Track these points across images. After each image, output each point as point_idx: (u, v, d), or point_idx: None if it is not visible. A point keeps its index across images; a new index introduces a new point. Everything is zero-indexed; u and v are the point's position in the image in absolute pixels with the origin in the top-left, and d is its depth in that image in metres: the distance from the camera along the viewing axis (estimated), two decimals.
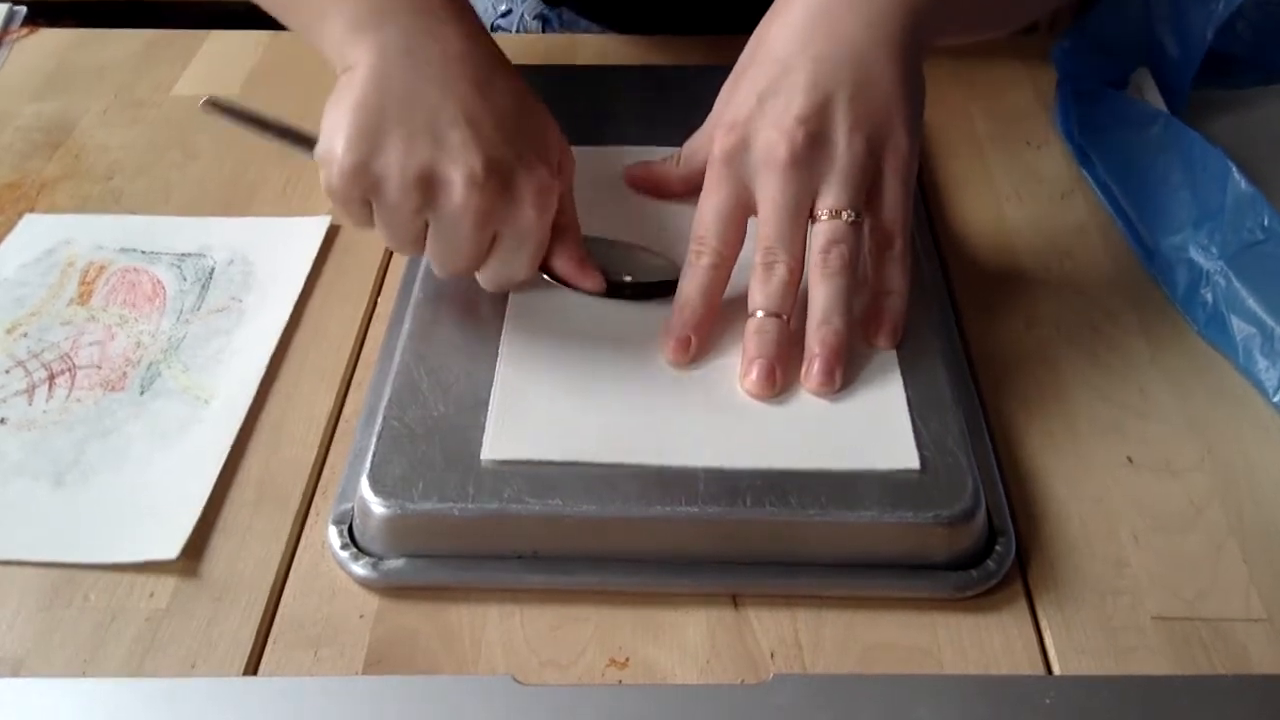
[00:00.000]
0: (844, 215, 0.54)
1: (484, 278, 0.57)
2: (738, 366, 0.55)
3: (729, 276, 0.57)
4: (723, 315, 0.57)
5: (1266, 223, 0.59)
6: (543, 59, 0.87)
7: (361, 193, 0.53)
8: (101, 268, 0.67)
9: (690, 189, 0.64)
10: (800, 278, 0.55)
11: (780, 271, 0.54)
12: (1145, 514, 0.53)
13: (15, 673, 0.47)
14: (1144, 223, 0.67)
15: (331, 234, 0.69)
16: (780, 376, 0.54)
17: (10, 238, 0.69)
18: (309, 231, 0.69)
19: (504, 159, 0.53)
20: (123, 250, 0.68)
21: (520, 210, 0.54)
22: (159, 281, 0.66)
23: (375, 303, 0.65)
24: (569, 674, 0.47)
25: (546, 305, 0.59)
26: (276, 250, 0.68)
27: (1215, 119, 0.73)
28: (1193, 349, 0.61)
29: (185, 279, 0.66)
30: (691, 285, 0.56)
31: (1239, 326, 0.59)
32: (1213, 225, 0.62)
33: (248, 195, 0.73)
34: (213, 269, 0.66)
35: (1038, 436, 0.57)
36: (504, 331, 0.57)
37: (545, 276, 0.60)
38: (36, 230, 0.69)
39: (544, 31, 0.96)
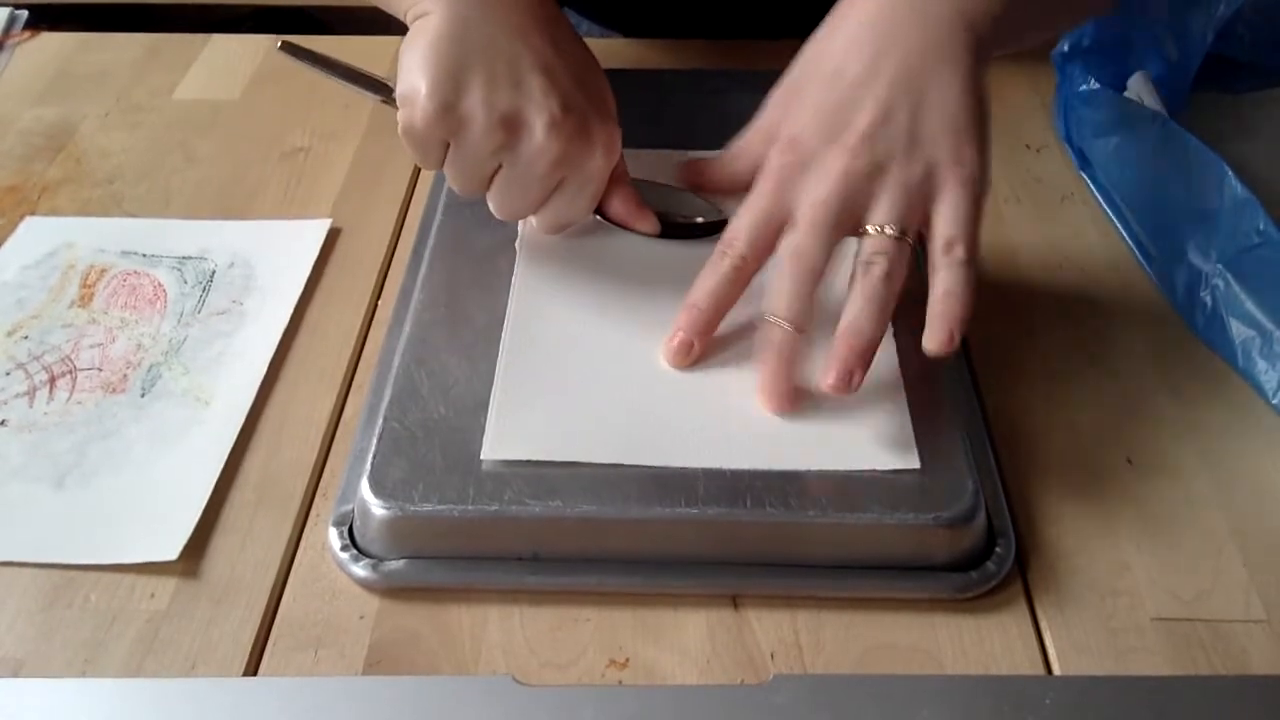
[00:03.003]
0: (887, 230, 0.54)
1: (542, 218, 0.59)
2: (739, 368, 0.55)
3: (746, 285, 0.56)
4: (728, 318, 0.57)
5: (1262, 227, 0.59)
6: None
7: (444, 133, 0.54)
8: (102, 271, 0.67)
9: (732, 186, 0.64)
10: (818, 280, 0.54)
11: (803, 266, 0.53)
12: (1145, 515, 0.53)
13: (15, 673, 0.47)
14: (1143, 225, 0.67)
15: (332, 237, 0.69)
16: (790, 390, 0.53)
17: (11, 240, 0.69)
18: (309, 234, 0.69)
19: (580, 107, 0.55)
20: (124, 253, 0.68)
21: (591, 156, 0.56)
22: (160, 284, 0.66)
23: (375, 306, 0.65)
24: (569, 674, 0.47)
25: (547, 306, 0.59)
26: (277, 253, 0.68)
27: (1214, 122, 0.73)
28: (1192, 351, 0.62)
29: (186, 282, 0.66)
30: (704, 287, 0.56)
31: (1238, 329, 0.60)
32: (1210, 229, 0.62)
33: (248, 198, 0.73)
34: (213, 272, 0.67)
35: (1037, 438, 0.57)
36: (504, 333, 0.57)
37: (599, 219, 0.62)
38: (37, 233, 0.70)
39: None
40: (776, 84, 0.60)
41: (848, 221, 0.54)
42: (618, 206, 0.61)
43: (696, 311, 0.56)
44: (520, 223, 0.64)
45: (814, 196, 0.54)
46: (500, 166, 0.56)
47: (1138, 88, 0.73)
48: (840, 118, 0.55)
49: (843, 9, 0.58)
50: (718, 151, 0.65)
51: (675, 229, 0.62)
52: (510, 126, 0.54)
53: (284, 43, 0.56)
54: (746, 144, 0.63)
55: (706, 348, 0.56)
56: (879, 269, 0.53)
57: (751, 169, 0.60)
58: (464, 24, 0.54)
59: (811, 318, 0.54)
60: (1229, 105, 0.75)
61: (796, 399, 0.53)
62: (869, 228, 0.54)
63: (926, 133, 0.54)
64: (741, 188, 0.61)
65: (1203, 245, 0.62)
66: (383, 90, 0.57)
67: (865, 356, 0.53)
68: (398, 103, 0.55)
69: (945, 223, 0.54)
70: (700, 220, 0.63)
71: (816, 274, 0.54)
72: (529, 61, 0.55)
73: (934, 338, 0.52)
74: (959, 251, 0.53)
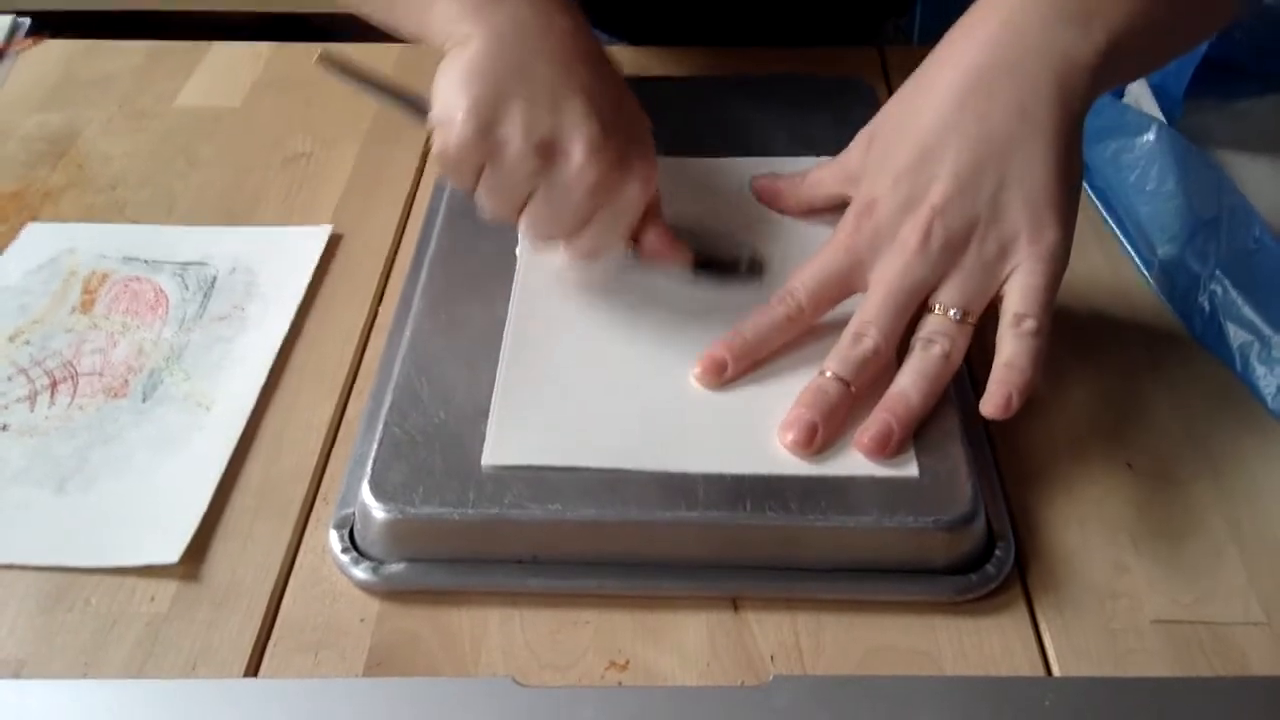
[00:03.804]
0: (951, 314, 0.54)
1: (575, 247, 0.57)
2: (743, 377, 0.55)
3: (795, 335, 0.56)
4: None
5: (1257, 233, 0.59)
6: None
7: (480, 157, 0.53)
8: (104, 277, 0.67)
9: (797, 212, 0.64)
10: (884, 362, 0.54)
11: (866, 345, 0.54)
12: (1145, 519, 0.53)
13: (16, 675, 0.47)
14: (1141, 230, 0.67)
15: (333, 243, 0.69)
16: (820, 439, 0.52)
17: (13, 246, 0.69)
18: (310, 240, 0.69)
19: (619, 135, 0.54)
20: (125, 259, 0.68)
21: (629, 185, 0.55)
22: (161, 290, 0.66)
23: (376, 311, 0.65)
24: (569, 676, 0.47)
25: (547, 312, 0.59)
26: (278, 259, 0.68)
27: (1212, 129, 0.73)
28: (1191, 355, 0.62)
29: (187, 288, 0.66)
30: (755, 324, 0.56)
31: (1236, 334, 0.60)
32: (1208, 234, 0.62)
33: (250, 205, 0.73)
34: (215, 278, 0.67)
35: (1037, 442, 0.57)
36: (505, 338, 0.57)
37: (632, 254, 0.60)
38: (40, 239, 0.70)
39: None
40: (865, 127, 0.60)
41: (916, 300, 0.55)
42: (652, 240, 0.59)
43: (740, 338, 0.55)
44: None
45: (885, 274, 0.55)
46: (534, 191, 0.54)
47: (1136, 94, 0.73)
48: (917, 187, 0.54)
49: (937, 61, 0.57)
50: (791, 159, 0.66)
51: (715, 268, 0.61)
52: (547, 151, 0.53)
53: (322, 54, 0.55)
54: (822, 178, 0.63)
55: (736, 378, 0.55)
56: (938, 349, 0.54)
57: (822, 203, 0.61)
58: (504, 49, 0.53)
59: (868, 386, 0.54)
60: (1227, 111, 0.75)
61: (818, 446, 0.52)
62: (936, 306, 0.54)
63: (1006, 204, 0.53)
64: (805, 213, 0.63)
65: (1200, 250, 0.63)
66: (420, 110, 0.56)
67: (906, 425, 0.52)
68: (433, 125, 0.54)
69: (1017, 298, 0.54)
70: (750, 261, 0.62)
71: (881, 356, 0.54)
72: (569, 87, 0.53)
73: (991, 402, 0.52)
74: (1028, 325, 0.53)
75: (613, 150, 0.53)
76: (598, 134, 0.53)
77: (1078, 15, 0.53)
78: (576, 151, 0.53)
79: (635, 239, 0.59)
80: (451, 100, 0.53)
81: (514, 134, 0.52)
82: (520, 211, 0.56)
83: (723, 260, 0.61)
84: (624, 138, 0.55)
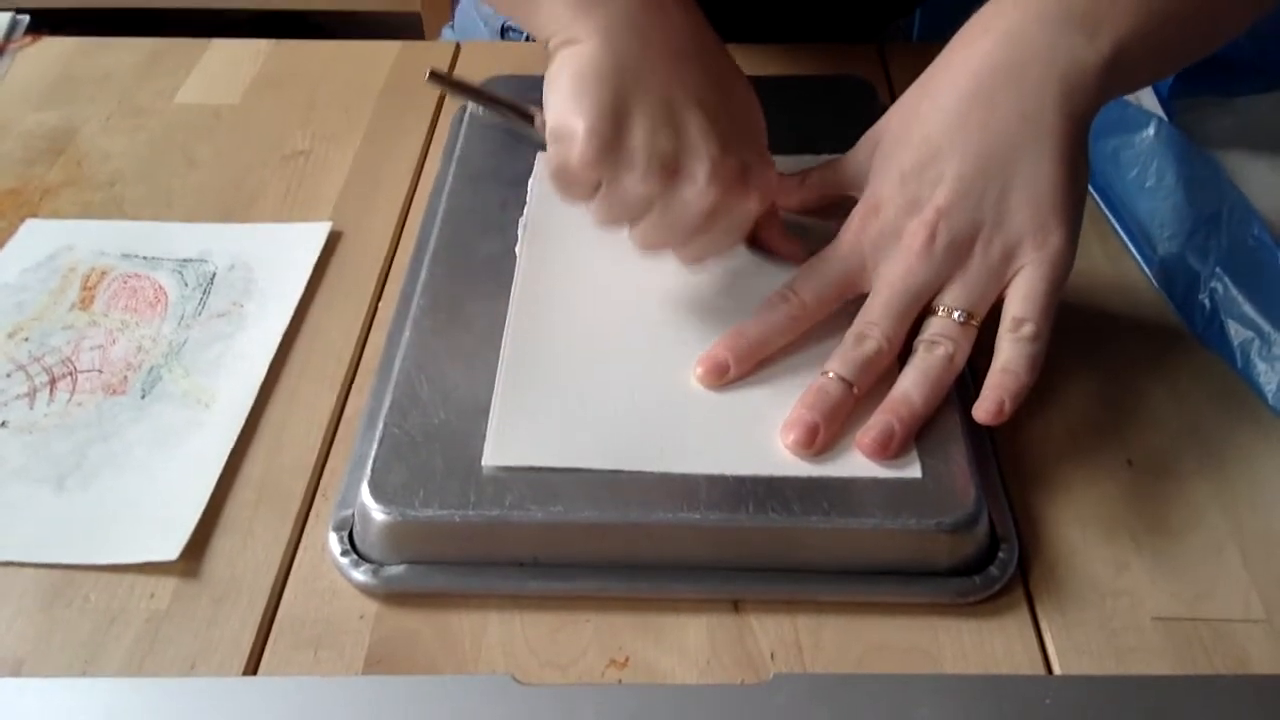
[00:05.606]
0: (955, 316, 0.54)
1: (684, 253, 0.57)
2: (746, 378, 0.55)
3: (798, 333, 0.56)
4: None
5: (1256, 231, 0.59)
6: None
7: (600, 176, 0.52)
8: (103, 273, 0.67)
9: (800, 210, 0.64)
10: (887, 363, 0.54)
11: (870, 346, 0.54)
12: (1145, 516, 0.53)
13: (15, 673, 0.47)
14: (1141, 227, 0.67)
15: (332, 240, 0.69)
16: (822, 440, 0.51)
17: (12, 243, 0.69)
18: (309, 237, 0.69)
19: (737, 148, 0.53)
20: (124, 256, 0.68)
21: (746, 203, 0.54)
22: (160, 287, 0.66)
23: (376, 309, 0.65)
24: (569, 675, 0.47)
25: (548, 312, 0.59)
26: (277, 256, 0.68)
27: (1213, 125, 0.73)
28: (1192, 353, 0.62)
29: (187, 284, 0.66)
30: (758, 324, 0.55)
31: (1236, 331, 0.60)
32: (1208, 231, 0.62)
33: (249, 202, 0.73)
34: (214, 274, 0.67)
35: (1038, 439, 0.57)
36: (505, 338, 0.57)
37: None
38: (38, 235, 0.70)
39: None
40: (872, 129, 0.60)
41: (920, 301, 0.55)
42: (768, 235, 0.60)
43: (742, 338, 0.55)
44: (520, 227, 0.64)
45: (889, 274, 0.55)
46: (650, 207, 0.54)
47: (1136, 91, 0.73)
48: (923, 189, 0.55)
49: (942, 65, 0.57)
50: (791, 158, 0.65)
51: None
52: (669, 172, 0.52)
53: (432, 71, 0.55)
54: (826, 177, 0.63)
55: (738, 379, 0.55)
56: (942, 350, 0.54)
57: (823, 201, 0.62)
58: (618, 56, 0.52)
59: (871, 387, 0.54)
60: (1227, 108, 0.75)
61: (819, 447, 0.52)
62: (939, 308, 0.54)
63: (1011, 208, 0.54)
64: (804, 212, 0.63)
65: (1200, 248, 0.63)
66: (527, 119, 0.55)
67: (909, 426, 0.52)
68: (549, 140, 0.53)
69: (1018, 302, 0.54)
70: None
71: (884, 357, 0.54)
72: (684, 99, 0.52)
73: (984, 407, 0.53)
74: (1027, 330, 0.53)
75: (733, 166, 0.53)
76: (718, 154, 0.52)
77: (1084, 21, 0.54)
78: (700, 175, 0.52)
79: (754, 234, 0.59)
80: (569, 115, 0.51)
81: (636, 154, 0.51)
82: (632, 223, 0.55)
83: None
84: (742, 149, 0.54)
